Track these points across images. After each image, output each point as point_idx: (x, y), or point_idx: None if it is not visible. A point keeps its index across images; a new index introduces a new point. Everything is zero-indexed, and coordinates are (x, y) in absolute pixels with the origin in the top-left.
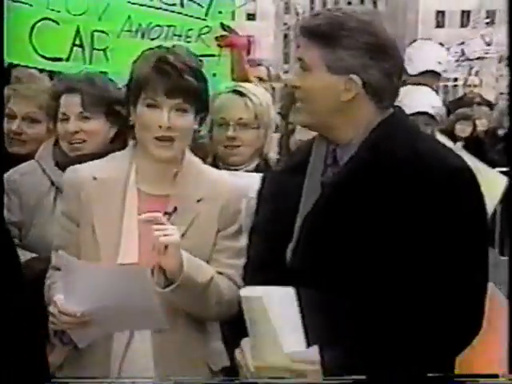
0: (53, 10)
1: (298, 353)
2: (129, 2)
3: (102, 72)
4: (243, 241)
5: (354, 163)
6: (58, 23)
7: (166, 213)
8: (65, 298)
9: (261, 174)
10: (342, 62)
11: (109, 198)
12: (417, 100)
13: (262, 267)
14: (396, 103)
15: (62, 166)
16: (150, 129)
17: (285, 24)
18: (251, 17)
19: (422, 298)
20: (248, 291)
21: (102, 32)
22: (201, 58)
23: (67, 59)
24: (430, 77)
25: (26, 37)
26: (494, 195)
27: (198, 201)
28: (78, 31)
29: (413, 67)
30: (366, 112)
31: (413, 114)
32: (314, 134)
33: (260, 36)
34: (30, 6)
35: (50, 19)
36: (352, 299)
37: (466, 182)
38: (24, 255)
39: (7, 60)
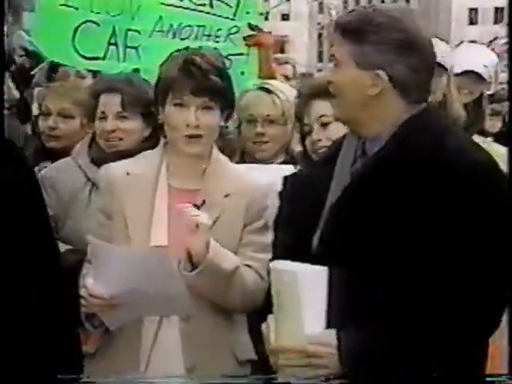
0: (95, 12)
1: (314, 335)
2: (160, 3)
3: (134, 70)
4: (269, 236)
5: (381, 155)
6: (98, 24)
7: (195, 205)
8: (94, 281)
9: (290, 166)
10: (369, 57)
11: (140, 192)
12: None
13: (289, 255)
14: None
15: (98, 162)
16: (179, 127)
17: (318, 24)
18: (285, 17)
19: (442, 289)
20: (281, 265)
21: (135, 31)
22: (229, 57)
23: (103, 58)
24: (473, 79)
25: (69, 38)
26: None
27: (225, 196)
28: (114, 31)
29: (456, 66)
30: (395, 107)
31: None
32: (330, 134)
33: (294, 36)
34: (76, 9)
35: (91, 21)
36: (375, 287)
37: (491, 177)
38: (59, 247)
39: (50, 59)
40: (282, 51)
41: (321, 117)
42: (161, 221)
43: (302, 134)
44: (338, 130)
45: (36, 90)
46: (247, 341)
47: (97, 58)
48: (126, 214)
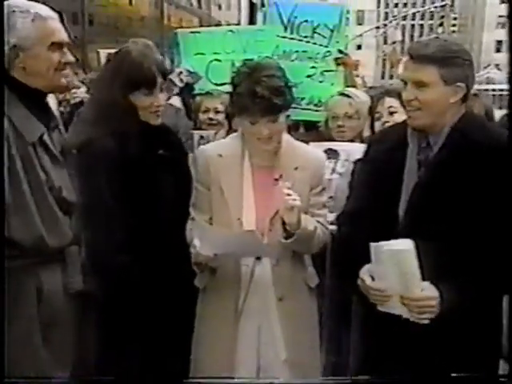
0: (216, 53)
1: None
2: (277, 36)
3: None
4: (325, 197)
5: (450, 146)
6: (220, 61)
7: (275, 179)
8: (201, 244)
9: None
10: (455, 75)
11: (231, 169)
12: None
13: (371, 219)
14: None
15: None
16: (255, 136)
17: (383, 51)
18: (359, 47)
19: (503, 238)
20: (397, 245)
21: (249, 60)
22: (324, 73)
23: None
24: None
25: (204, 74)
26: None
27: (295, 169)
28: (233, 63)
29: None
30: (458, 108)
31: None
32: (394, 119)
33: (365, 60)
34: (203, 54)
35: (216, 60)
36: (455, 247)
37: None
38: None
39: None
40: (357, 70)
41: (389, 107)
42: (249, 190)
43: (374, 121)
44: (399, 118)
45: (198, 98)
46: (313, 271)
47: (225, 84)
48: (222, 186)
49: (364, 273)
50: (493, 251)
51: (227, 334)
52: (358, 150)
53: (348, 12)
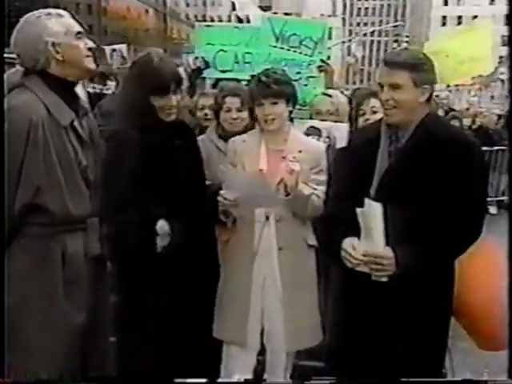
0: (223, 44)
1: (385, 248)
2: (269, 46)
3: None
4: (324, 176)
5: (416, 139)
6: (226, 51)
7: (282, 157)
8: (224, 190)
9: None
10: (424, 78)
11: (252, 150)
12: None
13: (349, 198)
14: None
15: (221, 137)
16: (262, 117)
17: (347, 62)
18: (328, 58)
19: (454, 212)
20: (369, 203)
21: (249, 53)
22: (308, 78)
23: (232, 70)
24: None
25: (211, 61)
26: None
27: (299, 152)
28: (236, 54)
29: None
30: (423, 107)
31: None
32: (375, 118)
33: (334, 67)
34: (213, 44)
35: (222, 50)
36: (418, 216)
37: (479, 149)
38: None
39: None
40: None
41: (372, 107)
42: (263, 166)
43: (357, 116)
44: (380, 116)
45: (194, 97)
46: (311, 231)
47: (227, 71)
48: (245, 163)
49: (347, 245)
50: (445, 223)
51: (245, 273)
52: (336, 127)
53: (329, 28)
